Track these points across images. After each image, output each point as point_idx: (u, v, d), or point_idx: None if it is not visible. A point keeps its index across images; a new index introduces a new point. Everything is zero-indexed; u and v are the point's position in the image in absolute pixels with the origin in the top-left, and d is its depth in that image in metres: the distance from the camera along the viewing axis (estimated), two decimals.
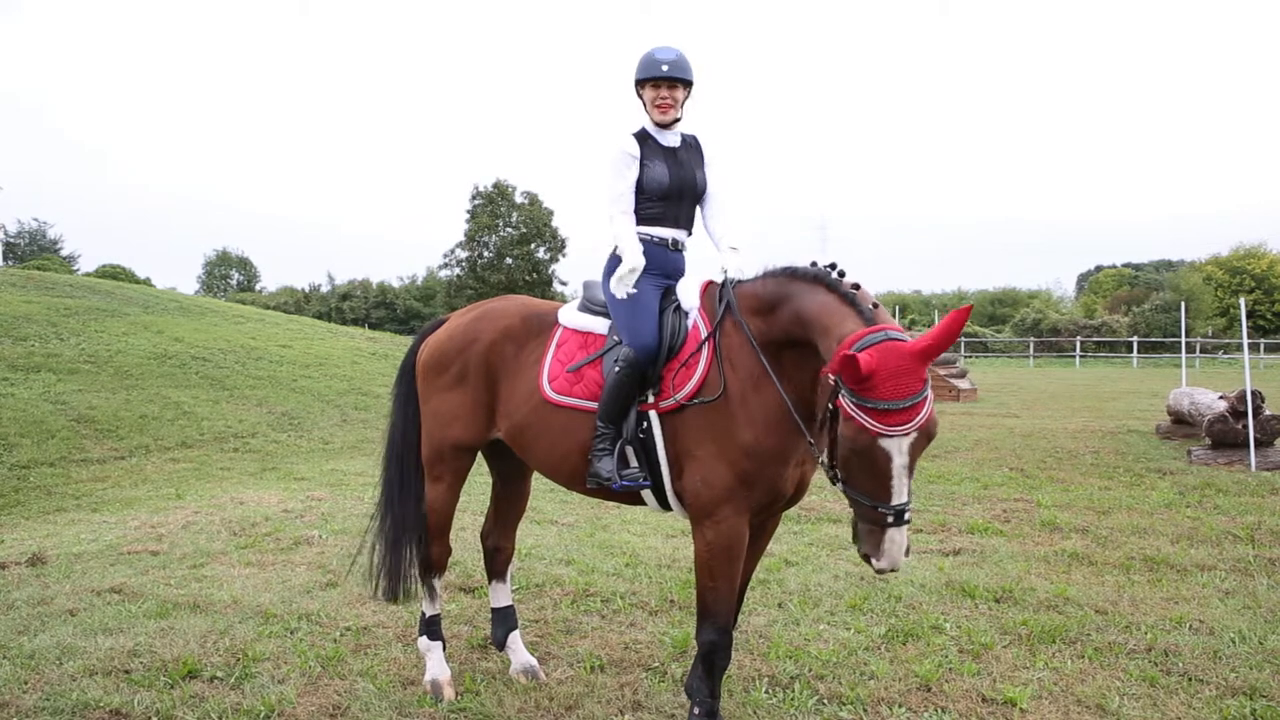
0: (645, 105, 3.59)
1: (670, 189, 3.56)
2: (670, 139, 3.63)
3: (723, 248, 3.59)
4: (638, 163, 3.54)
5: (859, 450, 2.68)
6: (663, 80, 3.51)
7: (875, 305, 2.92)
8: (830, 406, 2.82)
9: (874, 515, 2.74)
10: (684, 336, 3.35)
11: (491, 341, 3.77)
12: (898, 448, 2.64)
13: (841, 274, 3.08)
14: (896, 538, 2.73)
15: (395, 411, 4.13)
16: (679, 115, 3.60)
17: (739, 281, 3.36)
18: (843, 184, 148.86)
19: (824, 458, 2.99)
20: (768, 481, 3.17)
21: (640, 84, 3.58)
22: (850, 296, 2.93)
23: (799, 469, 3.27)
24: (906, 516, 2.73)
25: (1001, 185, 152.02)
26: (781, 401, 3.11)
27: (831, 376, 2.73)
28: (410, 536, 4.04)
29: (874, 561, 2.79)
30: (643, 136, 3.60)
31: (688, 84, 3.57)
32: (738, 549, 3.19)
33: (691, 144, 3.71)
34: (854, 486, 2.78)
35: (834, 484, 2.91)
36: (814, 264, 3.16)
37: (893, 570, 2.80)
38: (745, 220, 3.71)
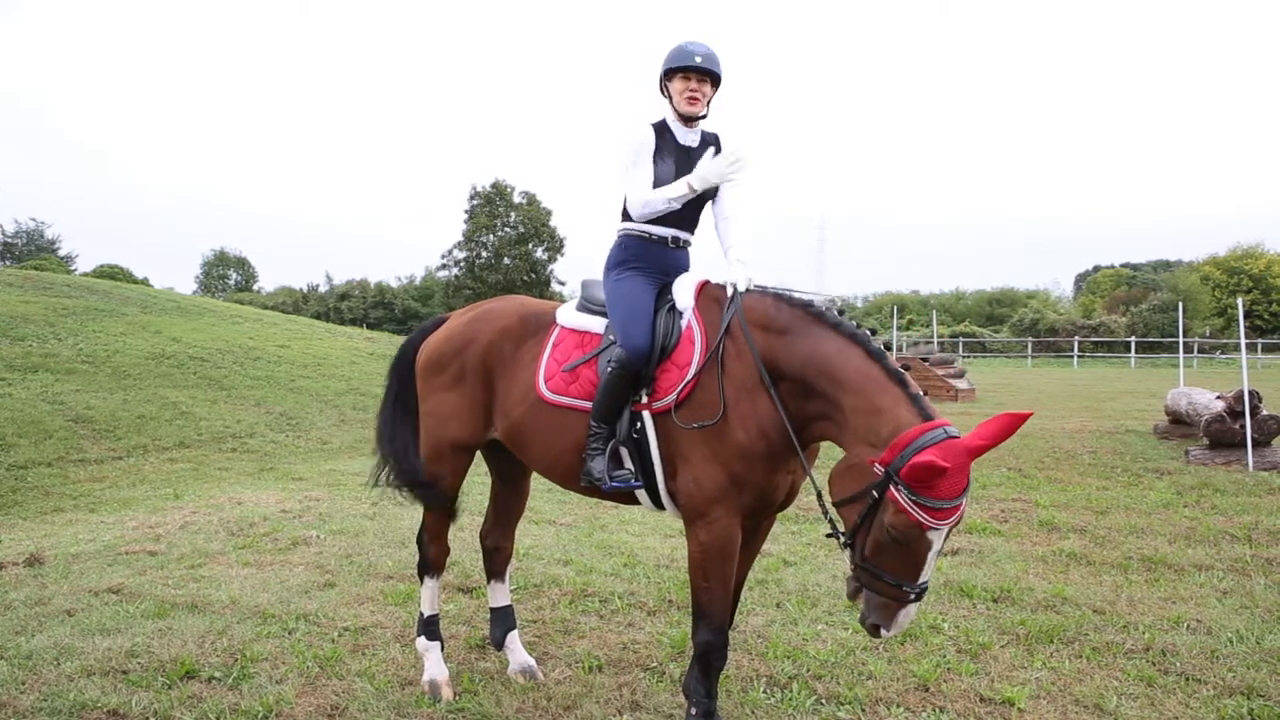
0: (672, 97, 3.53)
1: None
2: (689, 137, 3.59)
3: (731, 258, 3.54)
4: (649, 154, 3.50)
5: (903, 540, 2.73)
6: (693, 71, 3.46)
7: (906, 368, 2.93)
8: (874, 495, 2.77)
9: (897, 593, 2.79)
10: (677, 337, 3.32)
11: (489, 342, 3.76)
12: (939, 536, 2.73)
13: (872, 331, 3.04)
14: (911, 611, 2.82)
15: (385, 400, 4.17)
16: (706, 112, 3.56)
17: (745, 291, 3.32)
18: (842, 184, 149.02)
19: (842, 532, 2.96)
20: (758, 485, 3.17)
21: (669, 75, 3.51)
22: (899, 375, 2.89)
23: (789, 475, 3.28)
24: (925, 591, 2.81)
25: (1000, 185, 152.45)
26: (774, 410, 3.10)
27: (880, 467, 2.73)
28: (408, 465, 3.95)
29: (883, 631, 2.84)
30: (660, 129, 3.56)
31: (716, 81, 3.53)
32: (731, 549, 3.19)
33: (712, 143, 3.65)
34: (881, 567, 2.80)
35: (843, 549, 2.94)
36: (838, 311, 3.12)
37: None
38: (752, 225, 3.64)
